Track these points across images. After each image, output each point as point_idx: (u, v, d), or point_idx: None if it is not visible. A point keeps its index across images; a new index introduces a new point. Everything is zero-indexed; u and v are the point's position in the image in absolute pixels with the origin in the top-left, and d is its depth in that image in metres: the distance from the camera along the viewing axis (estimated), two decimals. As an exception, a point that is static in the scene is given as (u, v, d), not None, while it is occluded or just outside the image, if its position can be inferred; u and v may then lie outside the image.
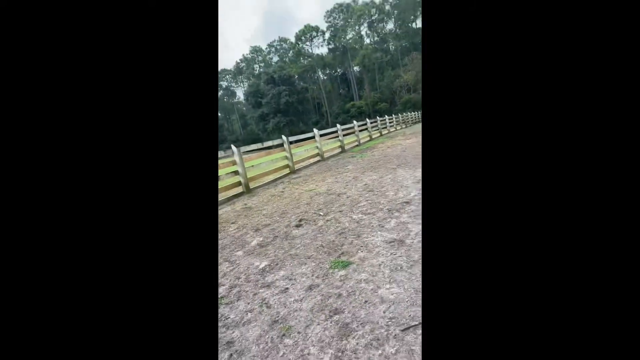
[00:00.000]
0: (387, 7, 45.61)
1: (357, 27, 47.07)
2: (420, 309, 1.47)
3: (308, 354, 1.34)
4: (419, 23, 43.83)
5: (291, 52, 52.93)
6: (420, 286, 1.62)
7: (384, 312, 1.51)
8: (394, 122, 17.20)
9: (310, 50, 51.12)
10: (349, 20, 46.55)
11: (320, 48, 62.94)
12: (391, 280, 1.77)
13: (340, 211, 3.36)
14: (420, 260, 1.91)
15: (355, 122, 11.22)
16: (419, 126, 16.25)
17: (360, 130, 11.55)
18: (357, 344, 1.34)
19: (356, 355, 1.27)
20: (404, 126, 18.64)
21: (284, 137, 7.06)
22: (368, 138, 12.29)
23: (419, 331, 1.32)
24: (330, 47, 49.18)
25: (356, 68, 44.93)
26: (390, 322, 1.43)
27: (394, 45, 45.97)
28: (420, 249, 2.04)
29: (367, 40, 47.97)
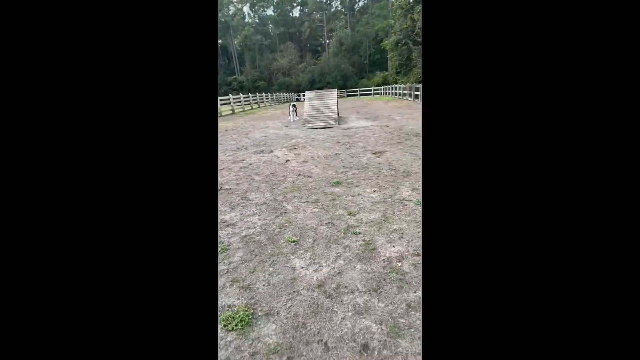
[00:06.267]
0: (268, -7, 50.32)
1: (239, 5, 49.88)
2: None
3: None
4: (295, 13, 50.73)
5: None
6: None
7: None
8: (270, 99, 23.82)
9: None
10: (232, -5, 48.65)
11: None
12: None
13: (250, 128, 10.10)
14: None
15: (241, 94, 17.53)
16: (286, 104, 23.47)
17: (245, 101, 18.02)
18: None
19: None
20: (276, 103, 25.42)
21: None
22: (250, 107, 18.52)
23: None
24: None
25: (236, 43, 48.05)
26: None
27: (272, 31, 51.54)
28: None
29: (248, 20, 51.46)
